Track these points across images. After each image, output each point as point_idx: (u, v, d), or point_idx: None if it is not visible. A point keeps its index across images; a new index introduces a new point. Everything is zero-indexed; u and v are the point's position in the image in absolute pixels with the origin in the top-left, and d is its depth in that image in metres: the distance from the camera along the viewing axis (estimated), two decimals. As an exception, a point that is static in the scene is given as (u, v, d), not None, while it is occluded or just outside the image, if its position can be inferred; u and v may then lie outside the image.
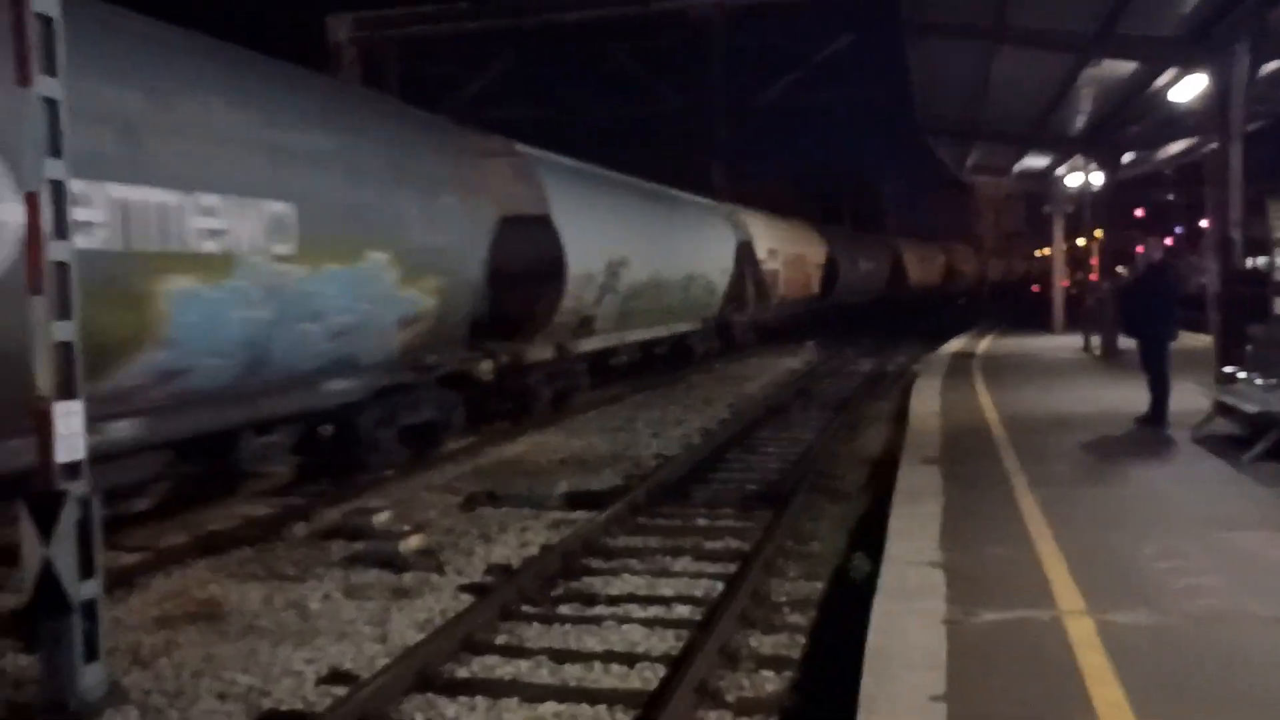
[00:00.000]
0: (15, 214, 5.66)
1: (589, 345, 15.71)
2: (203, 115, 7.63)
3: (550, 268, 13.22)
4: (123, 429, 7.17)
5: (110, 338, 6.76)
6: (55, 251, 5.18)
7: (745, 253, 24.04)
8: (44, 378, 5.11)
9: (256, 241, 7.99)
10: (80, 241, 5.82)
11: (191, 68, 7.87)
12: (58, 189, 5.21)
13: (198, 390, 7.79)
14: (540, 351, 14.03)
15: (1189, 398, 10.78)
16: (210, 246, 7.54)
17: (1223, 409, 10.05)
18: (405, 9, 30.77)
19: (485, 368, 12.55)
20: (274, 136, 8.40)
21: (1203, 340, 16.21)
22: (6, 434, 6.10)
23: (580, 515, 9.25)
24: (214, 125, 7.71)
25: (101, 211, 6.62)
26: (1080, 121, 19.88)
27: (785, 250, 28.12)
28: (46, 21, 5.11)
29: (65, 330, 5.22)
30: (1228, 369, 10.91)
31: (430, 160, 11.00)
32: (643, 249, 16.82)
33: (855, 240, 38.39)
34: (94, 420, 6.02)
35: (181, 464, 8.31)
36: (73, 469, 5.23)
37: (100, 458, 6.28)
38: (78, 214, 5.96)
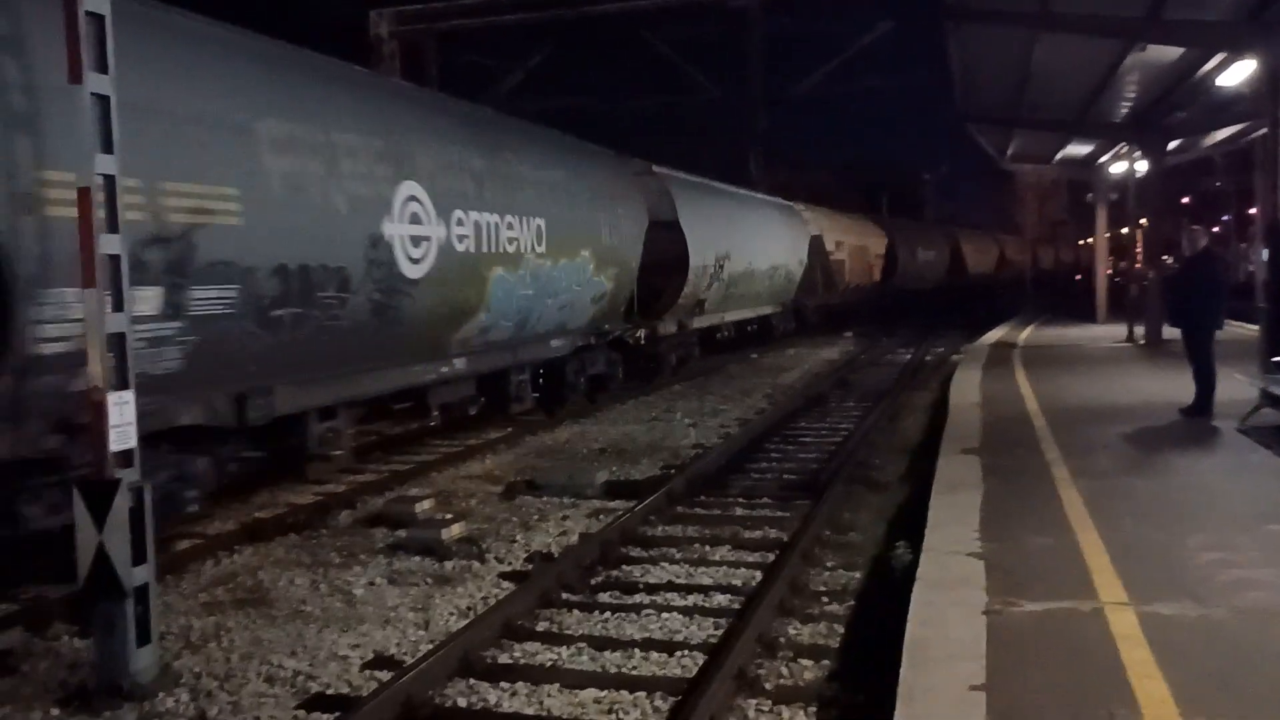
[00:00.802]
0: (436, 232, 9.84)
1: (701, 322, 19.71)
2: (505, 166, 11.62)
3: (678, 261, 17.25)
4: (460, 363, 11.09)
5: (465, 305, 10.72)
6: (107, 245, 5.29)
7: (816, 246, 27.50)
8: (98, 368, 5.24)
9: (529, 244, 11.92)
10: (460, 246, 10.27)
11: (499, 135, 12.03)
12: (109, 184, 5.32)
13: (494, 341, 11.72)
14: (668, 326, 17.98)
15: (1235, 388, 10.61)
16: (510, 248, 11.44)
17: (1270, 399, 9.89)
18: (446, 2, 30.87)
19: (640, 335, 16.74)
20: (537, 176, 12.43)
21: (1250, 330, 15.92)
22: (431, 359, 10.43)
23: (619, 504, 9.30)
24: (511, 171, 11.70)
25: (469, 229, 10.54)
26: (1125, 108, 19.58)
27: (850, 243, 31.59)
28: (98, 19, 5.22)
29: (119, 322, 5.34)
30: (1276, 359, 10.72)
31: (610, 183, 14.98)
32: (740, 245, 20.57)
33: (916, 232, 41.06)
34: (450, 356, 10.74)
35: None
36: (126, 457, 5.35)
37: (450, 380, 10.94)
38: (460, 230, 10.27)
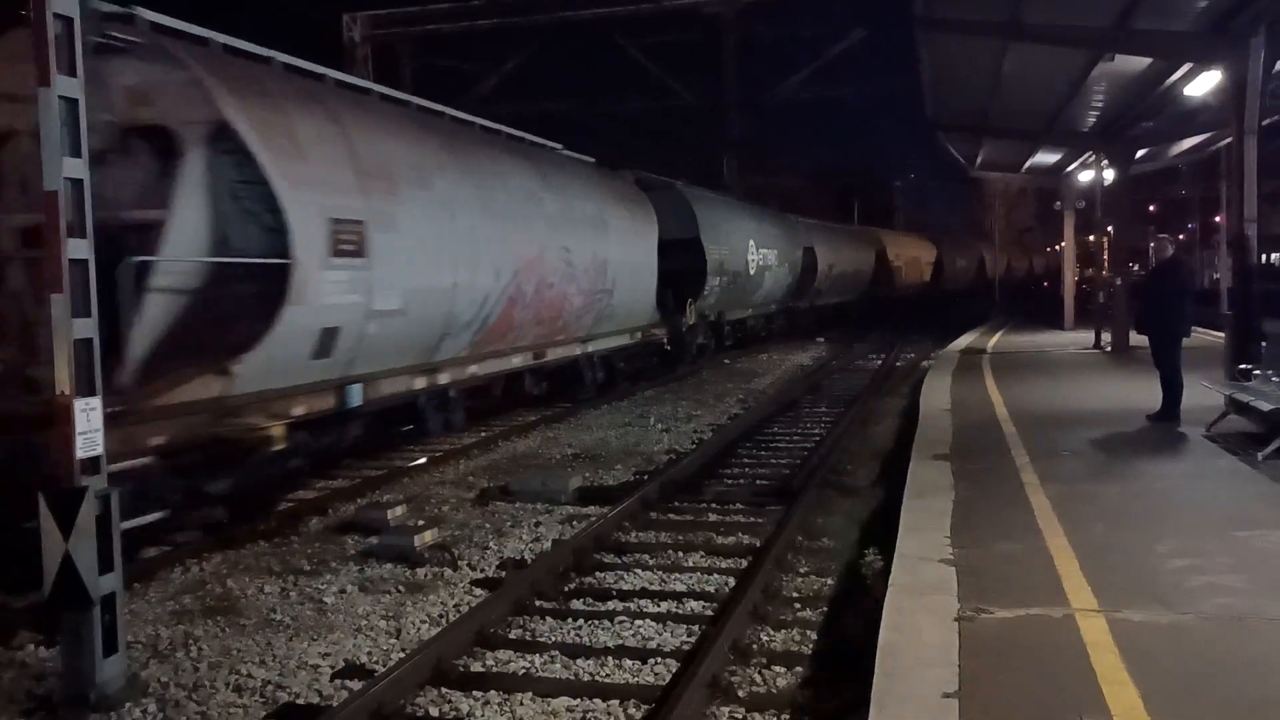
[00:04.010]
0: (755, 258, 25.16)
1: (818, 302, 33.68)
2: (769, 226, 27.53)
3: (810, 267, 30.84)
4: (750, 311, 26.46)
5: (757, 287, 25.77)
6: (74, 249, 5.22)
7: (881, 255, 41.04)
8: (64, 375, 5.16)
9: (772, 262, 26.61)
10: (761, 263, 25.60)
11: (766, 212, 28.90)
12: (77, 188, 5.25)
13: (755, 303, 26.50)
14: (802, 304, 31.86)
15: (1202, 394, 10.75)
16: (767, 264, 26.16)
17: (1237, 406, 10.02)
18: (420, 7, 30.76)
19: (798, 306, 31.44)
20: (773, 230, 27.63)
21: (1216, 336, 16.13)
22: (744, 309, 26.20)
23: (593, 510, 9.28)
24: (771, 229, 27.45)
25: (761, 256, 25.55)
26: (1093, 117, 19.79)
27: (905, 254, 45.36)
28: (67, 21, 5.16)
29: (86, 327, 5.27)
30: (1242, 366, 10.86)
31: (788, 228, 29.68)
32: (837, 256, 34.64)
33: (956, 245, 56.27)
34: (747, 308, 26.06)
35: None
36: (92, 464, 5.28)
37: (748, 319, 26.87)
38: (760, 257, 25.77)
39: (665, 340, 19.50)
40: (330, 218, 8.74)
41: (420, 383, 10.94)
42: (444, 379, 11.41)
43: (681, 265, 19.56)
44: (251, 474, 8.59)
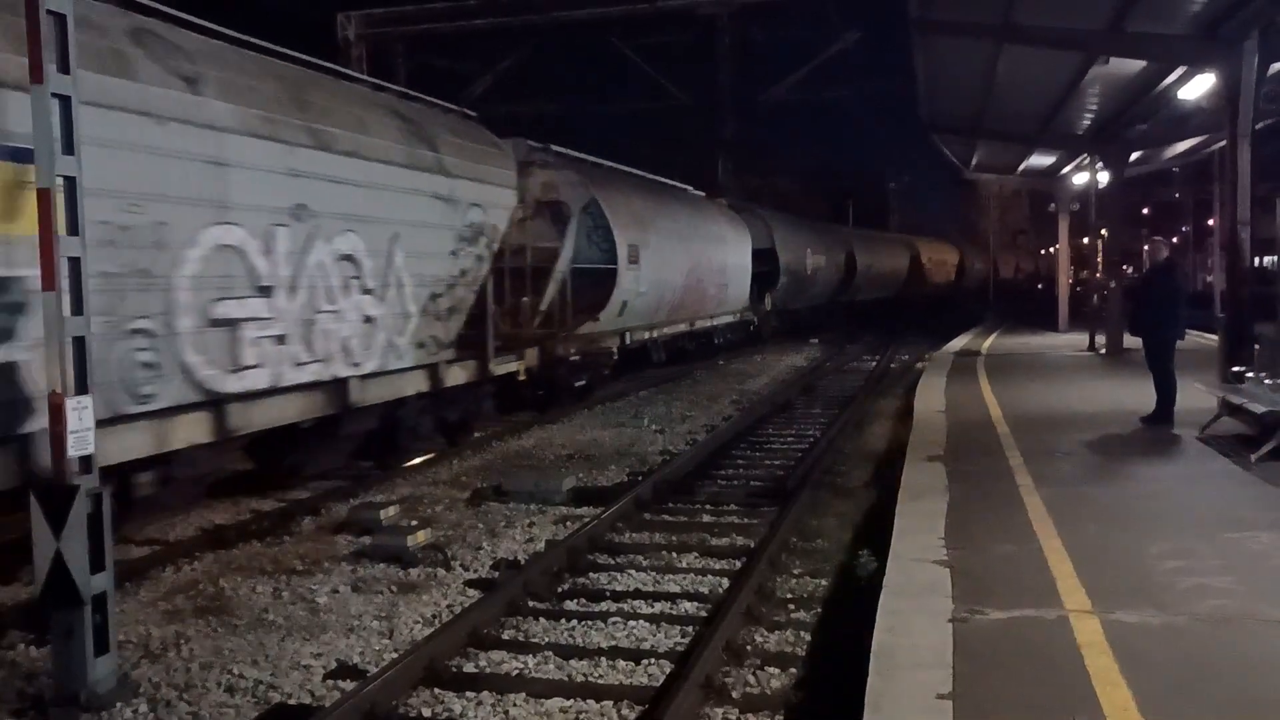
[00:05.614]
0: (809, 261, 31.77)
1: (859, 296, 38.93)
2: (823, 235, 34.74)
3: (851, 268, 36.12)
4: (802, 300, 32.25)
5: (811, 280, 31.99)
6: (68, 247, 5.20)
7: (914, 258, 47.37)
8: (56, 373, 5.14)
9: (823, 264, 32.82)
10: (815, 264, 32.18)
11: (820, 226, 37.29)
12: (70, 185, 5.23)
13: (811, 295, 32.70)
14: (844, 298, 36.83)
15: (1195, 397, 10.77)
16: (819, 264, 32.35)
17: (1230, 408, 10.04)
18: (415, 6, 30.73)
19: (841, 301, 36.58)
20: (824, 240, 34.16)
21: (1209, 339, 16.17)
22: (806, 299, 32.90)
23: (586, 511, 9.27)
24: (823, 240, 33.94)
25: (815, 258, 32.11)
26: (1087, 120, 19.83)
27: (934, 257, 51.93)
28: (60, 19, 5.14)
29: (79, 325, 5.25)
30: (1235, 368, 10.89)
31: (837, 236, 37.04)
32: (873, 259, 39.55)
33: (974, 250, 64.32)
34: (806, 296, 32.27)
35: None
36: (85, 463, 5.26)
37: (804, 305, 32.80)
38: (814, 259, 32.78)
39: (753, 321, 26.76)
40: (628, 243, 16.80)
41: (647, 335, 19.06)
42: (655, 334, 19.58)
43: (761, 267, 26.02)
44: (595, 374, 16.77)
